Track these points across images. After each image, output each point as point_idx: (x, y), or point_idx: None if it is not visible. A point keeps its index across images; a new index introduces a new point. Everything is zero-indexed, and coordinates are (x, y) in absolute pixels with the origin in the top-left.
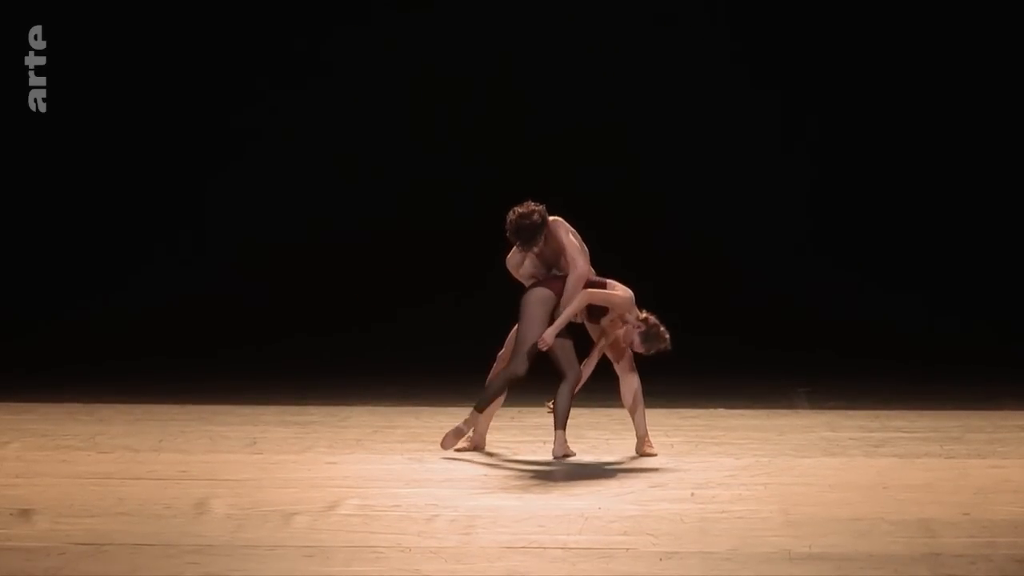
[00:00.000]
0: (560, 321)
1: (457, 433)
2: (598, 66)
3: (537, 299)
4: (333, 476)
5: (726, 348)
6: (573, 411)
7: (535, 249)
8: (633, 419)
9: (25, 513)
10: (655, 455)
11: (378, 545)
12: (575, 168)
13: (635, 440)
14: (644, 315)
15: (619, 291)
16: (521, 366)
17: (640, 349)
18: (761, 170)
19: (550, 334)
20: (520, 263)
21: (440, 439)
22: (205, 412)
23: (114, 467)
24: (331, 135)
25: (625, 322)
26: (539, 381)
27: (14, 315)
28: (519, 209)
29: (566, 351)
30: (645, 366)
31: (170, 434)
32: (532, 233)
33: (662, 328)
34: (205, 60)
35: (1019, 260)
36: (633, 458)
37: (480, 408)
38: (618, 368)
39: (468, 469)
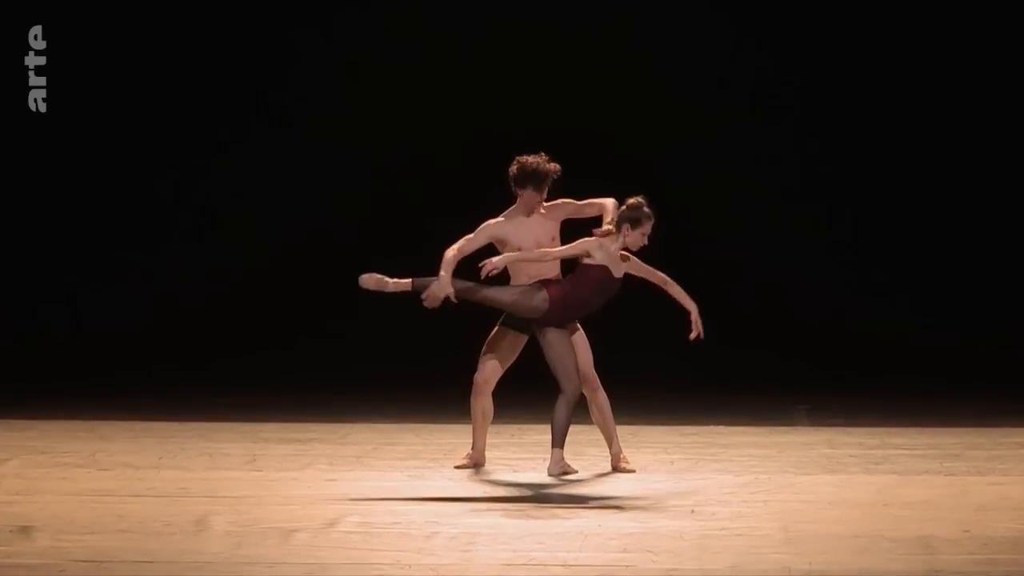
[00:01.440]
0: (516, 255)
1: (380, 281)
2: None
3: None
4: (333, 493)
5: (726, 363)
6: (573, 427)
7: (542, 197)
8: (605, 436)
9: (25, 530)
10: (633, 471)
11: (378, 562)
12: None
13: (639, 456)
14: (609, 221)
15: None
16: (463, 285)
17: (648, 228)
18: (764, 177)
19: (498, 260)
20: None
21: (439, 455)
22: (205, 429)
23: (114, 484)
24: (328, 135)
25: (617, 241)
26: (544, 398)
27: (12, 317)
28: (527, 157)
29: (565, 363)
30: (646, 382)
31: (170, 451)
32: (544, 176)
33: (629, 203)
34: (205, 60)
35: (1021, 273)
36: (632, 475)
37: (415, 282)
38: (584, 387)
39: (468, 486)
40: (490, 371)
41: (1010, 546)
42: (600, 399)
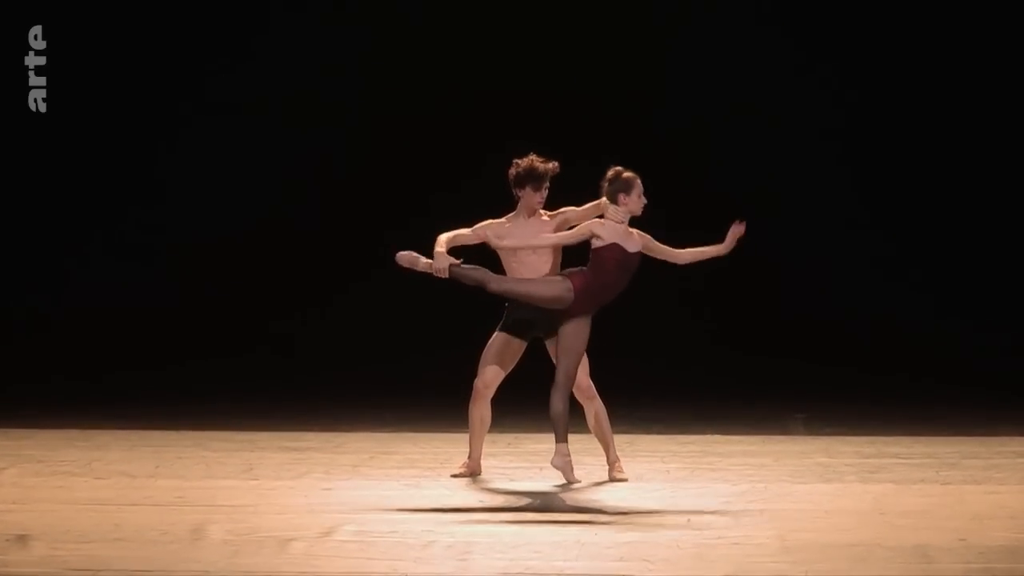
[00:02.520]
0: (516, 243)
1: (413, 259)
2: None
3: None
4: (329, 502)
5: (724, 366)
6: (570, 437)
7: (541, 196)
8: (602, 444)
9: (22, 539)
10: (626, 479)
11: (374, 571)
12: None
13: (635, 465)
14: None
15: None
16: (481, 271)
17: (639, 186)
18: (765, 179)
19: (507, 242)
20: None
21: (436, 464)
22: (201, 438)
23: (111, 493)
24: (321, 133)
25: (612, 216)
26: (542, 407)
27: (12, 317)
28: (523, 158)
29: (572, 358)
30: (644, 391)
31: (166, 460)
32: (541, 175)
33: (607, 177)
34: (203, 58)
35: (1020, 278)
36: (628, 484)
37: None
38: (580, 396)
39: (464, 495)
40: (490, 377)
41: (1007, 555)
42: (596, 408)
